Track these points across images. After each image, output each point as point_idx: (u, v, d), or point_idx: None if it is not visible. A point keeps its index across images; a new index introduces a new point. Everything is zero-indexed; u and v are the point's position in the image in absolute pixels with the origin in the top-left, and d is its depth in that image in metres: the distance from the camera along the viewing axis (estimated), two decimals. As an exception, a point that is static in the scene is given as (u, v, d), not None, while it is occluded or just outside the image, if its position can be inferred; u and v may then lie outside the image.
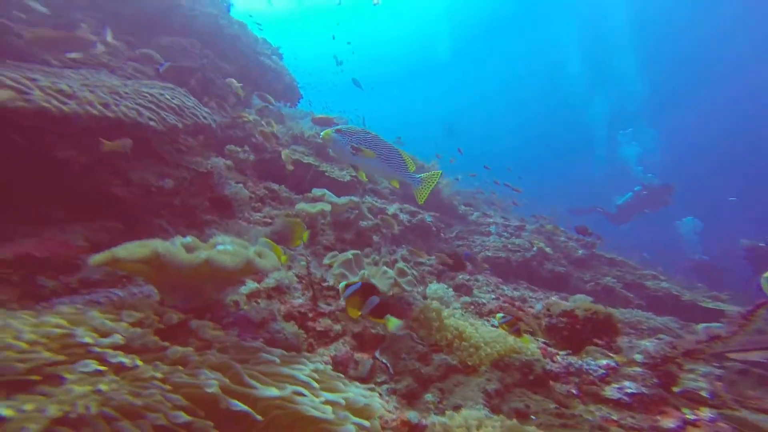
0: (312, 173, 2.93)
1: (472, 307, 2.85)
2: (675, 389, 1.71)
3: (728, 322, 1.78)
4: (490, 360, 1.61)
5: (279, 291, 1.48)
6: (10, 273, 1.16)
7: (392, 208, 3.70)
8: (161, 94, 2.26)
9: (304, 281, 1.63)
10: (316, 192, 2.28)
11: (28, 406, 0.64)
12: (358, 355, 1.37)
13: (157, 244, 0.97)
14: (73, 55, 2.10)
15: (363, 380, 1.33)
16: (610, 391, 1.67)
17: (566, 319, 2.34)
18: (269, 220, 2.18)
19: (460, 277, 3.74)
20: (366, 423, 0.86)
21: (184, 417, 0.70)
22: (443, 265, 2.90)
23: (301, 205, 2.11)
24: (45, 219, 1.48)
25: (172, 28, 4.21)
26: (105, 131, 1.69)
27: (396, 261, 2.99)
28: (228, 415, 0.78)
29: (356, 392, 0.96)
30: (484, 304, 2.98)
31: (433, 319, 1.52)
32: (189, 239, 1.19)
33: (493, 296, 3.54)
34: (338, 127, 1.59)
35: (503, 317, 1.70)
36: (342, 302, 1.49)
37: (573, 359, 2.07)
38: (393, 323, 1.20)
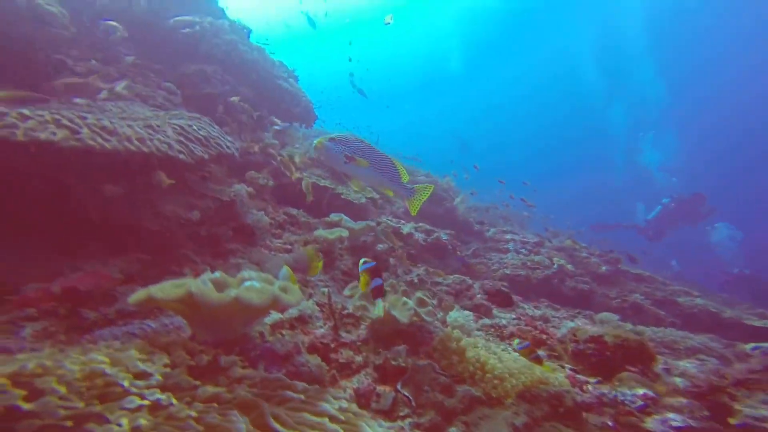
0: (329, 196, 2.99)
1: (493, 329, 2.78)
2: (732, 421, 1.55)
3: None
4: (515, 392, 1.56)
5: (302, 321, 1.51)
6: (58, 306, 1.24)
7: (407, 228, 3.71)
8: (189, 125, 2.39)
9: (325, 310, 1.65)
10: (333, 217, 2.33)
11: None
12: (380, 388, 1.36)
13: (190, 284, 1.01)
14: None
15: (386, 413, 1.32)
16: (653, 424, 1.57)
17: (594, 345, 2.24)
18: (289, 246, 2.24)
19: (479, 296, 3.67)
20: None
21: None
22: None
23: (320, 232, 2.16)
24: (86, 251, 1.57)
25: (197, 55, 4.48)
26: (140, 165, 1.80)
27: (412, 281, 2.98)
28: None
29: (382, 433, 0.96)
30: (504, 326, 2.90)
31: (453, 349, 1.50)
32: (218, 274, 1.24)
33: (514, 316, 3.44)
34: (331, 135, 1.58)
35: (520, 343, 1.65)
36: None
37: (605, 388, 1.96)
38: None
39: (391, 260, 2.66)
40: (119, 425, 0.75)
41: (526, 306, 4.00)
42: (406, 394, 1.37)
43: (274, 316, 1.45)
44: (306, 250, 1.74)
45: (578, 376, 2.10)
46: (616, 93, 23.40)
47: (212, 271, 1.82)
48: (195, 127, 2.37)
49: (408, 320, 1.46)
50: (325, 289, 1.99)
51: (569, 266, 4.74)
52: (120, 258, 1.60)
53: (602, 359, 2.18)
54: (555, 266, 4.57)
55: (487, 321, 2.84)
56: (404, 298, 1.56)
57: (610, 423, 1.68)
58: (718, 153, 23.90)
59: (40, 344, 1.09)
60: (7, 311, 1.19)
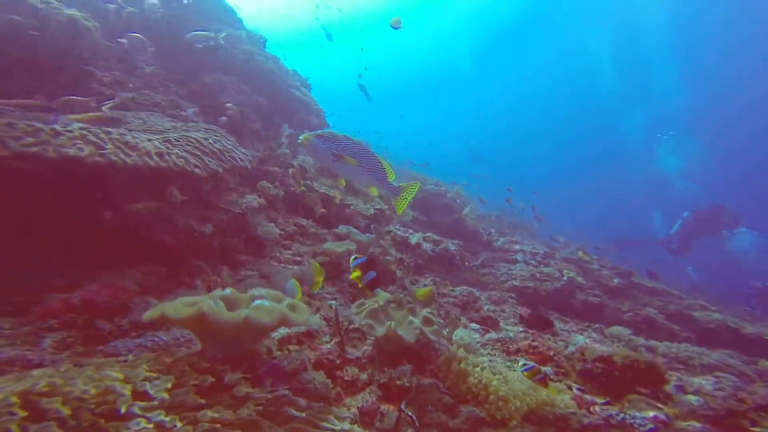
0: (337, 207, 3.04)
1: (500, 344, 2.76)
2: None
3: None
4: (520, 413, 1.55)
5: (309, 336, 1.54)
6: (77, 317, 1.30)
7: (415, 238, 3.72)
8: (205, 139, 2.47)
9: (332, 325, 1.67)
10: (342, 230, 2.37)
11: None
12: (384, 407, 1.37)
13: (202, 304, 1.05)
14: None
15: (389, 433, 1.33)
16: (665, 450, 1.53)
17: (602, 365, 2.20)
18: (299, 258, 2.28)
19: (486, 308, 3.64)
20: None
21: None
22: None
23: (329, 245, 2.20)
24: (104, 263, 1.64)
25: (215, 65, 4.62)
26: (159, 178, 1.87)
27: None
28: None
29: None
30: (512, 340, 2.87)
31: (458, 370, 1.50)
32: (228, 291, 1.28)
33: (521, 329, 3.40)
34: (319, 132, 1.56)
35: (525, 365, 1.63)
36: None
37: (614, 410, 1.92)
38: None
39: (398, 272, 2.68)
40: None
41: (534, 319, 3.95)
42: (410, 413, 1.38)
43: (282, 331, 1.49)
44: (314, 264, 1.77)
45: (586, 396, 2.06)
46: (635, 96, 22.33)
47: (222, 283, 1.87)
48: (210, 141, 2.44)
49: (414, 339, 1.48)
50: (333, 302, 2.02)
51: (580, 278, 4.66)
52: (136, 269, 1.66)
53: (611, 379, 2.14)
54: (565, 278, 4.50)
55: (494, 335, 2.82)
56: (410, 317, 1.58)
57: (618, 447, 1.65)
58: (741, 158, 22.89)
59: (58, 355, 1.15)
60: (30, 321, 1.26)
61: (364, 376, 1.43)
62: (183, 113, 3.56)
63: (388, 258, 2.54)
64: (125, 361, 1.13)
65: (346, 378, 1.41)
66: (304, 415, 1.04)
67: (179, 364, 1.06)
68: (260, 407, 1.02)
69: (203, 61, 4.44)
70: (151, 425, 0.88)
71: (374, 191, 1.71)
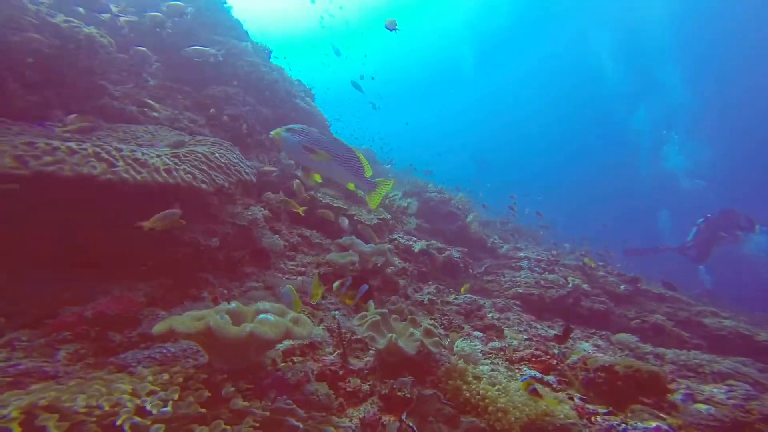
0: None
1: (502, 353, 2.76)
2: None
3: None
4: (519, 424, 1.56)
5: (312, 347, 1.58)
6: (89, 329, 1.36)
7: (419, 245, 3.75)
8: (211, 153, 2.55)
9: (334, 335, 1.71)
10: (346, 240, 2.41)
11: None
12: (385, 418, 1.40)
13: (208, 319, 1.10)
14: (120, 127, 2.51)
15: (390, 443, 1.35)
16: (666, 460, 1.53)
17: (605, 375, 2.19)
18: (302, 269, 2.33)
19: (490, 316, 3.64)
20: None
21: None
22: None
23: (332, 255, 2.24)
24: (114, 276, 1.70)
25: (221, 78, 4.74)
26: (167, 193, 1.94)
27: (422, 302, 3.00)
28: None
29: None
30: (515, 348, 2.87)
31: (458, 381, 1.52)
32: (233, 305, 1.33)
33: (526, 336, 3.39)
34: (291, 126, 1.49)
35: (523, 376, 1.64)
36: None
37: (615, 420, 1.91)
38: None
39: (401, 281, 2.71)
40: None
41: (539, 326, 3.94)
42: (411, 424, 1.40)
43: (286, 342, 1.53)
44: (315, 277, 1.81)
45: (587, 406, 2.05)
46: (639, 94, 21.86)
47: (228, 295, 1.92)
48: (217, 155, 2.52)
49: (414, 351, 1.50)
50: (336, 313, 2.06)
51: (585, 285, 4.63)
52: (145, 282, 1.72)
53: (613, 389, 2.13)
54: (570, 285, 4.48)
55: (497, 344, 2.82)
56: (411, 329, 1.60)
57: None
58: (748, 155, 22.32)
59: (72, 367, 1.20)
60: (45, 334, 1.32)
61: (366, 387, 1.46)
62: (191, 125, 3.68)
63: (392, 269, 2.58)
64: (133, 372, 1.18)
65: (348, 389, 1.44)
66: (301, 426, 1.08)
67: (184, 376, 1.10)
68: (259, 422, 1.06)
69: (209, 73, 4.57)
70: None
71: (351, 186, 1.67)
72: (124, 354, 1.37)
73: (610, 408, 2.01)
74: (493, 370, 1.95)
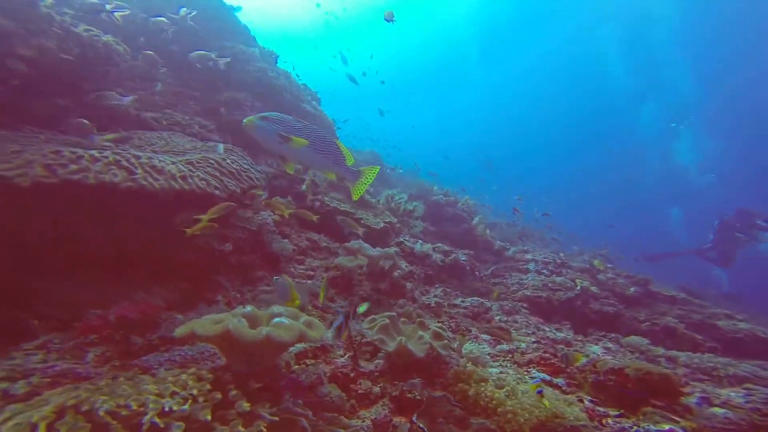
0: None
1: (510, 356, 2.76)
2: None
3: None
4: (529, 426, 1.58)
5: (324, 350, 1.62)
6: (113, 333, 1.42)
7: (425, 248, 3.77)
8: (223, 159, 2.63)
9: (345, 340, 1.75)
10: (353, 245, 2.46)
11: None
12: (396, 419, 1.43)
13: (227, 323, 1.15)
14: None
15: (401, 444, 1.38)
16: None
17: (615, 377, 2.19)
18: (311, 273, 2.38)
19: (497, 318, 3.65)
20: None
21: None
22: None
23: (341, 259, 2.29)
24: (134, 280, 1.77)
25: (230, 83, 4.84)
26: (182, 200, 2.01)
27: (429, 305, 3.03)
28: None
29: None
30: (523, 351, 2.87)
31: (467, 383, 1.55)
32: (249, 309, 1.38)
33: (534, 339, 3.39)
34: (264, 114, 1.42)
35: (533, 378, 1.66)
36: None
37: (627, 422, 1.90)
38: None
39: (408, 284, 2.74)
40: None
41: (546, 328, 3.93)
42: (422, 425, 1.43)
43: (299, 345, 1.57)
44: (323, 280, 1.84)
45: (598, 408, 2.05)
46: (647, 88, 21.35)
47: (241, 299, 1.97)
48: (228, 161, 2.59)
49: (423, 354, 1.53)
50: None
51: (594, 288, 4.60)
52: (163, 287, 1.78)
53: (624, 391, 2.12)
54: (578, 288, 4.46)
55: (505, 347, 2.83)
56: (420, 332, 1.64)
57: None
58: (762, 149, 21.63)
59: (100, 368, 1.26)
60: (74, 337, 1.38)
61: (376, 389, 1.49)
62: (201, 131, 3.76)
63: (399, 273, 2.62)
64: (155, 374, 1.23)
65: (359, 391, 1.47)
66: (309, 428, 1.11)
67: (203, 377, 1.15)
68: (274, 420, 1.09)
69: (219, 79, 4.66)
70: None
71: (331, 176, 1.60)
72: (146, 356, 1.43)
73: (622, 411, 2.01)
74: (501, 372, 1.96)
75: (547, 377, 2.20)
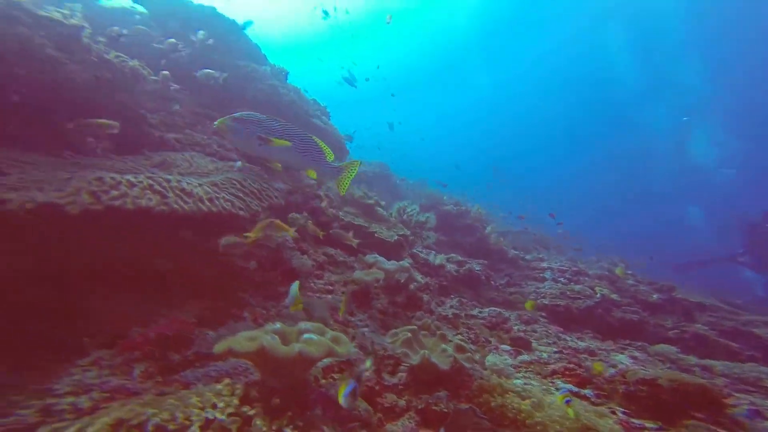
0: (362, 234, 3.19)
1: (533, 366, 2.72)
2: None
3: None
4: (559, 439, 1.56)
5: (348, 365, 1.65)
6: (154, 350, 1.49)
7: (439, 259, 3.79)
8: (244, 180, 2.75)
9: (368, 352, 1.78)
10: (369, 259, 2.52)
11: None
12: (423, 432, 1.45)
13: (261, 340, 1.21)
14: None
15: (429, 458, 1.39)
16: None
17: (647, 388, 2.11)
18: (330, 287, 2.44)
19: (516, 328, 3.60)
20: None
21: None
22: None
23: (358, 273, 2.35)
24: (166, 299, 1.86)
25: (244, 100, 5.03)
26: (208, 221, 2.11)
27: (447, 316, 3.03)
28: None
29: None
30: (546, 362, 2.82)
31: (492, 395, 1.55)
32: (279, 326, 1.44)
33: (555, 349, 3.33)
34: (236, 115, 1.32)
35: (560, 389, 1.64)
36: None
37: (670, 438, 1.81)
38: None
39: (425, 296, 2.76)
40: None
41: (567, 338, 3.85)
42: (449, 439, 1.44)
43: (326, 360, 1.61)
44: (344, 296, 1.89)
45: (633, 420, 1.98)
46: (659, 86, 20.82)
47: (267, 315, 2.04)
48: (249, 181, 2.71)
49: (448, 366, 1.55)
50: (365, 330, 2.14)
51: (614, 296, 4.50)
52: (193, 304, 1.87)
53: (659, 403, 2.04)
54: (598, 296, 4.37)
55: (526, 357, 2.80)
56: (442, 345, 1.66)
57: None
58: None
59: (146, 384, 1.33)
60: (120, 353, 1.46)
61: (402, 402, 1.52)
62: (219, 150, 3.91)
63: (415, 285, 2.64)
64: (195, 389, 1.30)
65: (385, 404, 1.50)
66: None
67: (242, 391, 1.21)
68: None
69: (235, 96, 4.86)
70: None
71: (312, 174, 1.59)
72: (184, 372, 1.50)
73: (660, 423, 1.92)
74: (526, 384, 1.95)
75: (574, 388, 2.16)
